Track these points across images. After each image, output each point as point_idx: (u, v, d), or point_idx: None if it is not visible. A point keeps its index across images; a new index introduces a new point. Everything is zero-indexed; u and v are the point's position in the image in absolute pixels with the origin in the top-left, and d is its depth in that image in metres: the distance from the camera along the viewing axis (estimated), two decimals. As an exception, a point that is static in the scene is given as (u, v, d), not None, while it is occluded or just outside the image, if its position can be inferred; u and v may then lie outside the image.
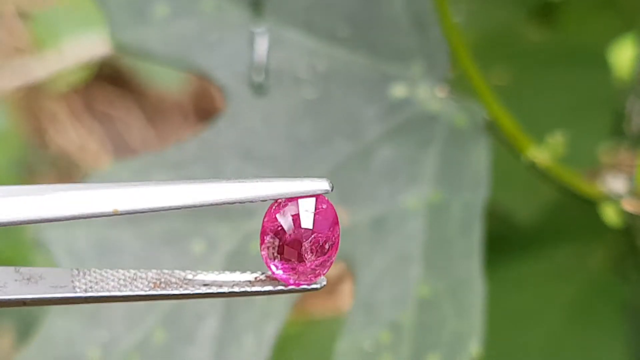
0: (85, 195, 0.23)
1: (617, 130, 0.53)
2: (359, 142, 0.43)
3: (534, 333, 0.52)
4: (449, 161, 0.42)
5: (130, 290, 0.24)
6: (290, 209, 0.24)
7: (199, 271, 0.25)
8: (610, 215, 0.47)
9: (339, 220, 0.24)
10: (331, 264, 0.25)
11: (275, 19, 0.43)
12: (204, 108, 0.98)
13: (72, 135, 0.96)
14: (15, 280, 0.24)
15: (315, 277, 0.25)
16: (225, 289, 0.25)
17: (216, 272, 0.25)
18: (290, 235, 0.24)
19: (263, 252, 0.24)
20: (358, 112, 0.43)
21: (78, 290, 0.24)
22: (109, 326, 0.40)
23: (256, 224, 0.41)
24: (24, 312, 0.75)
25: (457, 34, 0.42)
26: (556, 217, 0.54)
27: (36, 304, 0.24)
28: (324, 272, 0.25)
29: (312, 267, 0.24)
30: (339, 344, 0.40)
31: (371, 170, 0.43)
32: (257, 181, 0.23)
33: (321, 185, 0.24)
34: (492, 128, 0.43)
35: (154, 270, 0.25)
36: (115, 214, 0.23)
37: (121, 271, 0.25)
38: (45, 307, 0.41)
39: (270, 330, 0.40)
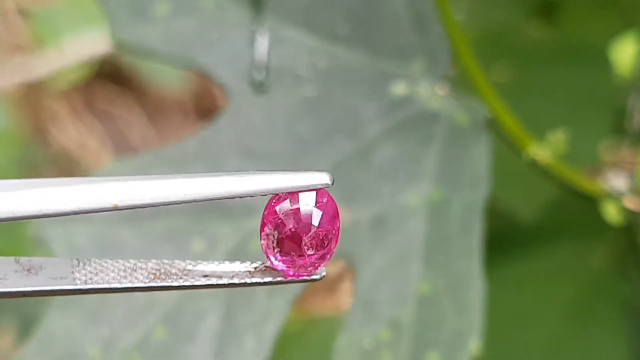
0: (85, 190, 0.23)
1: (618, 127, 0.53)
2: (359, 140, 0.43)
3: (535, 331, 0.52)
4: (450, 159, 0.42)
5: (130, 282, 0.24)
6: (290, 203, 0.24)
7: (199, 261, 0.25)
8: (611, 213, 0.47)
9: (339, 213, 0.24)
10: (331, 255, 0.25)
11: (276, 17, 0.43)
12: (204, 106, 0.98)
13: (72, 133, 0.96)
14: (15, 271, 0.24)
15: (314, 268, 0.24)
16: (224, 280, 0.25)
17: (216, 263, 0.25)
18: (290, 229, 0.24)
19: (262, 242, 0.24)
20: (358, 110, 0.43)
21: (78, 282, 0.24)
22: (109, 324, 0.40)
23: (256, 223, 0.41)
24: (25, 310, 0.75)
25: (458, 32, 0.41)
26: (557, 215, 0.54)
27: (36, 295, 0.24)
28: (324, 263, 0.24)
29: (312, 260, 0.24)
30: (338, 342, 0.40)
31: (371, 169, 0.42)
32: (257, 174, 0.23)
33: (322, 178, 0.24)
34: (493, 126, 0.43)
35: (154, 261, 0.25)
36: (116, 209, 0.23)
37: (121, 261, 0.25)
38: (46, 304, 0.41)
39: (271, 328, 0.40)
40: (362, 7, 0.44)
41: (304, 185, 0.24)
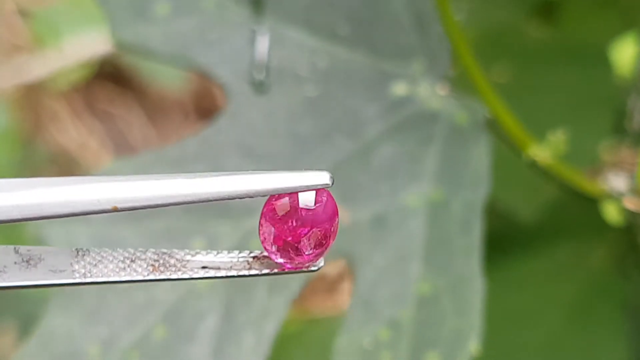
0: (85, 192, 0.23)
1: (619, 128, 0.53)
2: (359, 140, 0.43)
3: (535, 331, 0.52)
4: (450, 159, 0.42)
5: (129, 274, 0.24)
6: (289, 202, 0.24)
7: (197, 250, 0.25)
8: (611, 213, 0.47)
9: (338, 211, 0.24)
10: (329, 249, 0.24)
11: (276, 17, 0.43)
12: (204, 106, 0.98)
13: (72, 133, 0.96)
14: (15, 262, 0.24)
15: (312, 263, 0.24)
16: (222, 272, 0.25)
17: (214, 252, 0.25)
18: (288, 229, 0.24)
19: (262, 237, 0.24)
20: (358, 110, 0.43)
21: (77, 274, 0.24)
22: (108, 323, 0.40)
23: (256, 222, 0.41)
24: (25, 310, 0.75)
25: (458, 32, 0.41)
26: (557, 215, 0.54)
27: (35, 287, 0.24)
28: (321, 257, 0.24)
29: (310, 258, 0.24)
30: (338, 342, 0.40)
31: (372, 168, 0.42)
32: (257, 174, 0.23)
33: (322, 178, 0.24)
34: (493, 126, 0.43)
35: (152, 250, 0.25)
36: (115, 210, 0.23)
37: (120, 251, 0.25)
38: (46, 303, 0.41)
39: (270, 328, 0.40)
40: (362, 7, 0.44)
41: (303, 185, 0.23)
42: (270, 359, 0.40)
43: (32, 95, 0.94)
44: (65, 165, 0.94)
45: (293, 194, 0.24)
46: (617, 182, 0.45)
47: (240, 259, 0.25)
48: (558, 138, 0.43)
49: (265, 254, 0.25)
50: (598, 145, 0.52)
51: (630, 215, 0.47)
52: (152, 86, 0.96)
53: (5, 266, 0.24)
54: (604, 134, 0.53)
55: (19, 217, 0.23)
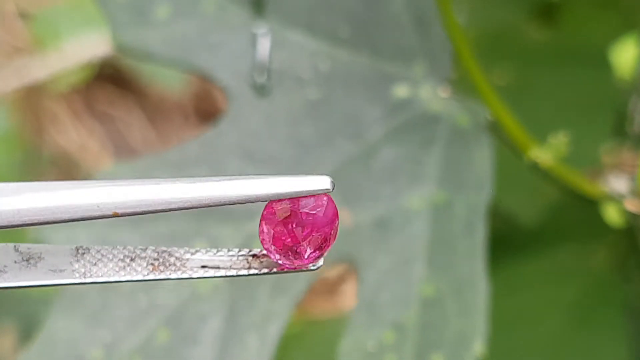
0: (85, 198, 0.23)
1: (619, 130, 0.53)
2: (361, 143, 0.43)
3: (536, 333, 0.52)
4: (452, 161, 0.42)
5: (129, 273, 0.24)
6: (290, 207, 0.24)
7: (197, 249, 0.25)
8: (612, 215, 0.47)
9: (338, 214, 0.24)
10: (328, 250, 0.24)
11: (277, 19, 0.43)
12: (205, 109, 0.98)
13: (72, 135, 0.96)
14: (15, 262, 0.24)
15: (311, 263, 0.24)
16: (222, 272, 0.25)
17: (214, 250, 0.25)
18: (288, 233, 0.24)
19: (261, 238, 0.24)
20: (360, 113, 0.43)
21: (77, 274, 0.24)
22: (111, 327, 0.40)
23: (257, 225, 0.41)
24: (25, 311, 0.75)
25: (459, 34, 0.42)
26: (558, 217, 0.54)
27: (35, 287, 0.24)
28: (321, 258, 0.24)
29: (310, 260, 0.24)
30: (342, 344, 0.40)
31: (374, 171, 0.42)
32: (256, 179, 0.23)
33: (322, 183, 0.23)
34: (495, 128, 0.43)
35: (152, 248, 0.25)
36: (115, 216, 0.23)
37: (119, 248, 0.25)
38: (48, 305, 0.41)
39: (274, 330, 0.40)
40: (364, 10, 0.44)
41: (304, 190, 0.23)
42: (272, 361, 0.40)
43: (32, 97, 0.94)
44: (65, 167, 0.94)
45: (293, 198, 0.24)
46: (618, 184, 0.45)
47: (240, 258, 0.25)
48: (559, 140, 0.43)
49: (265, 252, 0.25)
50: (599, 147, 0.52)
51: (631, 217, 0.47)
52: (152, 88, 0.96)
53: (5, 265, 0.24)
54: (605, 136, 0.53)
55: (19, 222, 0.23)
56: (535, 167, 0.44)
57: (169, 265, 0.25)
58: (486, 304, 0.40)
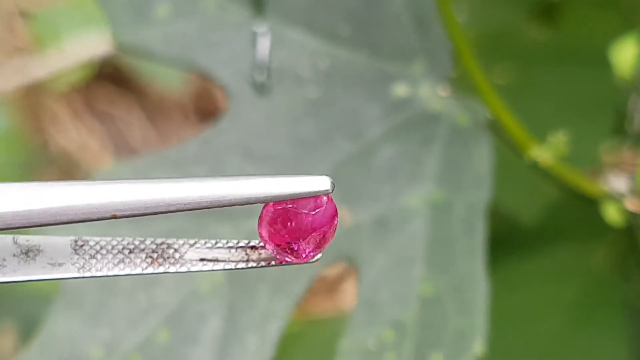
0: (83, 200, 0.23)
1: (619, 129, 0.53)
2: (360, 142, 0.43)
3: (536, 332, 0.52)
4: (451, 160, 0.42)
5: (128, 267, 0.24)
6: (289, 207, 0.24)
7: (196, 240, 0.25)
8: (612, 214, 0.47)
9: (337, 212, 0.24)
10: (327, 246, 0.24)
11: (277, 18, 0.43)
12: (205, 108, 0.98)
13: (73, 134, 0.96)
14: (14, 255, 0.24)
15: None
16: (221, 265, 0.25)
17: (212, 242, 0.25)
18: (288, 233, 0.24)
19: (260, 236, 0.24)
20: (360, 111, 0.43)
21: (76, 267, 0.24)
22: (111, 326, 0.40)
23: (256, 223, 0.41)
24: (25, 311, 0.75)
25: (459, 33, 0.42)
26: (558, 216, 0.54)
27: (34, 282, 0.24)
28: (319, 253, 0.24)
29: (308, 257, 0.24)
30: (342, 343, 0.40)
31: (373, 170, 0.42)
32: (256, 179, 0.23)
33: (322, 184, 0.23)
34: (494, 127, 0.43)
35: (151, 239, 0.25)
36: (114, 218, 0.23)
37: (118, 239, 0.25)
38: (48, 304, 0.41)
39: (273, 330, 0.40)
40: (363, 8, 0.44)
41: (304, 192, 0.23)
42: (272, 360, 0.40)
43: (32, 97, 0.94)
44: (65, 166, 0.94)
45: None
46: (617, 183, 0.45)
47: (239, 250, 0.25)
48: (559, 139, 0.43)
49: (263, 244, 0.24)
50: (599, 146, 0.52)
51: (630, 216, 0.47)
52: (152, 87, 0.96)
53: (4, 259, 0.24)
54: (605, 135, 0.53)
55: (18, 224, 0.23)
56: (535, 166, 0.44)
57: (168, 257, 0.25)
58: (486, 303, 0.40)
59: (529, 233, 0.54)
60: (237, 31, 0.43)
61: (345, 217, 0.42)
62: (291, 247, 0.24)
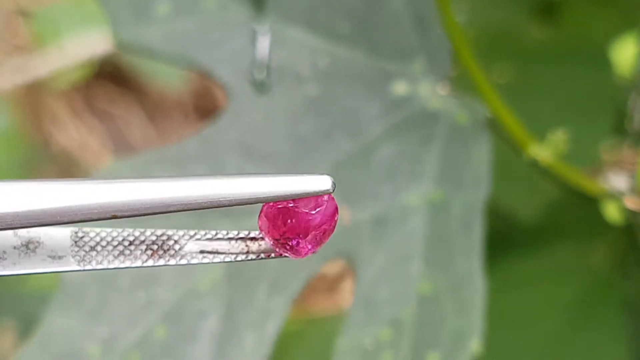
0: (83, 200, 0.23)
1: (619, 127, 0.53)
2: (360, 140, 0.43)
3: (536, 331, 0.52)
4: (451, 159, 0.42)
5: (128, 259, 0.24)
6: (290, 206, 0.24)
7: (196, 231, 0.25)
8: (612, 212, 0.47)
9: (338, 209, 0.24)
10: (326, 242, 0.24)
11: (277, 16, 0.43)
12: (204, 106, 0.98)
13: (72, 133, 0.96)
14: (14, 247, 0.24)
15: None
16: (220, 257, 0.24)
17: (213, 232, 0.25)
18: (288, 231, 0.24)
19: (260, 225, 0.24)
20: (359, 110, 0.43)
21: (76, 260, 0.24)
22: (109, 323, 0.40)
23: (256, 221, 0.41)
24: (25, 310, 0.75)
25: (458, 32, 0.42)
26: (558, 215, 0.54)
27: (34, 274, 0.24)
28: (318, 248, 0.24)
29: (307, 254, 0.24)
30: (339, 342, 0.40)
31: (372, 168, 0.42)
32: (257, 177, 0.23)
33: (323, 184, 0.23)
34: (494, 126, 0.43)
35: (151, 230, 0.25)
36: (114, 218, 0.23)
37: (118, 230, 0.24)
38: (47, 303, 0.41)
39: (271, 328, 0.40)
40: (363, 7, 0.44)
41: (305, 192, 0.23)
42: (270, 358, 0.40)
43: (32, 95, 0.94)
44: (65, 165, 0.94)
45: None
46: (617, 181, 0.45)
47: (239, 241, 0.25)
48: (558, 138, 0.43)
49: (262, 235, 0.24)
50: (598, 145, 0.52)
51: (630, 214, 0.47)
52: (152, 86, 0.96)
53: (4, 252, 0.24)
54: (605, 133, 0.53)
55: (18, 225, 0.22)
56: (534, 165, 0.44)
57: (168, 249, 0.24)
58: (483, 302, 0.40)
59: (529, 231, 0.54)
60: (237, 30, 0.43)
61: (344, 215, 0.42)
62: (291, 245, 0.24)
